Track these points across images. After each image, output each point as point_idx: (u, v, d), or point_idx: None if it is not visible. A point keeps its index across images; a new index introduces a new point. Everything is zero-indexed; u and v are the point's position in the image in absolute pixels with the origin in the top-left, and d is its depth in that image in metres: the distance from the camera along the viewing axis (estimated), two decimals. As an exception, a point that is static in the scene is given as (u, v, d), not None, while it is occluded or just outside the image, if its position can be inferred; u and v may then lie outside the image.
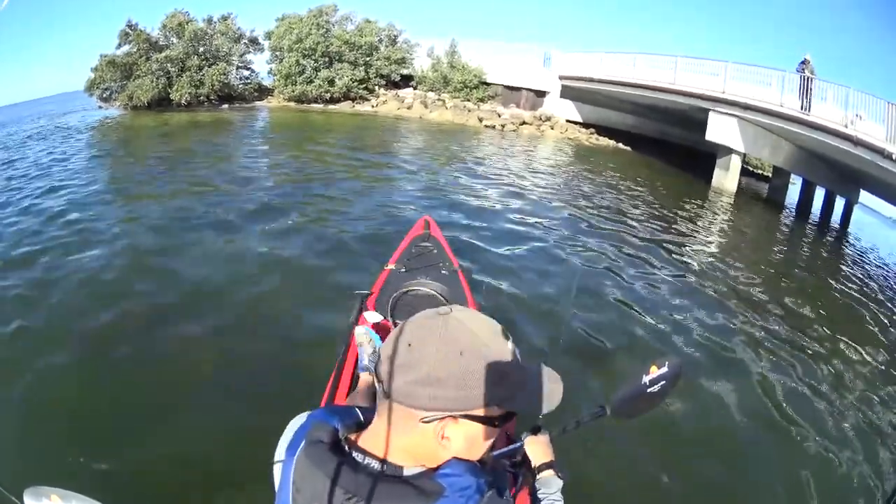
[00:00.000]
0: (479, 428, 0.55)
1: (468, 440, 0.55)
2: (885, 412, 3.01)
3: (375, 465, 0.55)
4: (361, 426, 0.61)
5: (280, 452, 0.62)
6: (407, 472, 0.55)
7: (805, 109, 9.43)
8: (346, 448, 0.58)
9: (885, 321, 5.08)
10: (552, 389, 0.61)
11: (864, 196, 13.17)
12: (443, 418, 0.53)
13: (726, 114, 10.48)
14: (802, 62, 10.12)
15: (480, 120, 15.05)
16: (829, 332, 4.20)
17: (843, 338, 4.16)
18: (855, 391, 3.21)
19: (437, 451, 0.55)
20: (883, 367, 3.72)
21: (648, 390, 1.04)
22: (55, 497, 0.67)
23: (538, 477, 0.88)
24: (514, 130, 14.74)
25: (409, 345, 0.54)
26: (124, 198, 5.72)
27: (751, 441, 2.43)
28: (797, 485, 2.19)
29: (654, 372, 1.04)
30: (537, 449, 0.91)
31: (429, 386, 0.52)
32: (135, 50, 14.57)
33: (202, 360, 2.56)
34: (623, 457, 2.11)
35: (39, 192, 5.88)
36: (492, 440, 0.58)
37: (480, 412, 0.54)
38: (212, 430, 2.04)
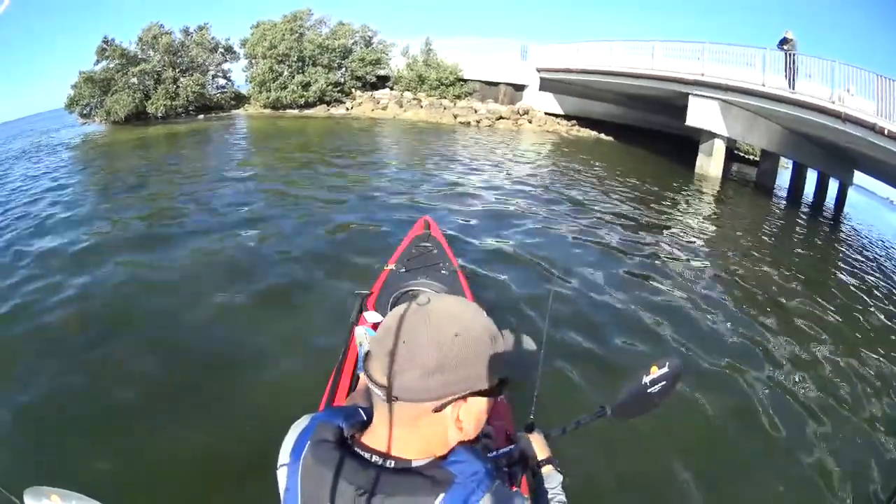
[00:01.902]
0: (484, 402, 0.57)
1: (477, 416, 0.56)
2: (889, 407, 2.85)
3: (383, 460, 0.55)
4: (365, 425, 0.60)
5: (284, 456, 0.61)
6: (415, 464, 0.55)
7: (789, 88, 8.91)
8: (352, 446, 0.57)
9: (887, 307, 4.74)
10: (532, 350, 0.65)
11: (859, 177, 12.65)
12: (455, 401, 0.54)
13: (706, 97, 9.97)
14: (783, 40, 9.60)
15: (455, 117, 14.60)
16: (828, 320, 3.97)
17: (843, 327, 3.91)
18: (857, 384, 3.01)
19: (447, 437, 0.56)
20: (886, 358, 3.47)
21: (649, 391, 1.02)
22: (55, 497, 0.66)
23: (540, 472, 0.87)
24: (489, 126, 14.28)
25: (404, 342, 0.53)
26: (99, 213, 5.55)
27: (751, 439, 2.34)
28: (798, 484, 2.12)
29: (655, 372, 1.03)
30: (535, 446, 0.90)
31: (436, 374, 0.52)
32: (112, 65, 14.57)
33: (202, 362, 2.53)
34: (623, 457, 2.06)
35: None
36: (490, 409, 0.59)
37: (485, 385, 0.56)
38: (213, 431, 2.03)
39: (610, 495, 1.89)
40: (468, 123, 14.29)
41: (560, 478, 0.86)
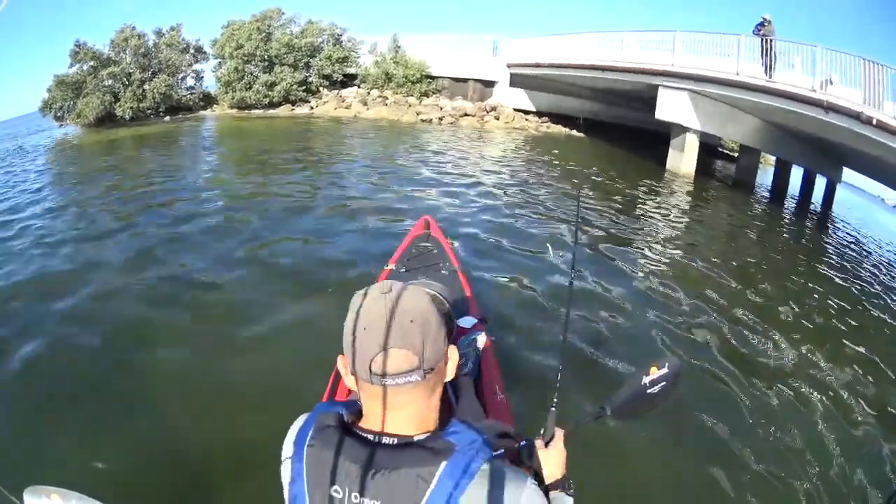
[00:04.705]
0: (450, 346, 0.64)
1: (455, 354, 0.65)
2: (885, 407, 2.79)
3: (385, 438, 0.57)
4: (362, 413, 0.62)
5: (287, 450, 0.62)
6: (416, 439, 0.57)
7: (766, 76, 8.08)
8: (354, 430, 0.59)
9: (879, 306, 4.51)
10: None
11: (848, 175, 11.80)
12: (450, 346, 0.63)
13: (677, 88, 9.13)
14: (760, 23, 8.79)
15: (418, 115, 13.77)
16: (819, 321, 3.85)
17: (835, 328, 3.79)
18: (851, 385, 2.95)
19: (443, 380, 0.63)
20: (882, 359, 3.34)
21: (648, 391, 0.98)
22: (55, 496, 0.66)
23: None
24: (451, 123, 13.42)
25: (412, 321, 0.57)
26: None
27: (750, 440, 2.29)
28: (797, 485, 2.07)
29: (655, 373, 0.98)
30: (547, 461, 0.83)
31: (442, 331, 0.59)
32: (84, 68, 14.56)
33: (202, 361, 2.54)
34: (622, 458, 2.05)
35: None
36: None
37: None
38: (213, 430, 2.03)
39: (609, 496, 1.86)
40: (430, 121, 13.45)
41: (570, 501, 0.80)
